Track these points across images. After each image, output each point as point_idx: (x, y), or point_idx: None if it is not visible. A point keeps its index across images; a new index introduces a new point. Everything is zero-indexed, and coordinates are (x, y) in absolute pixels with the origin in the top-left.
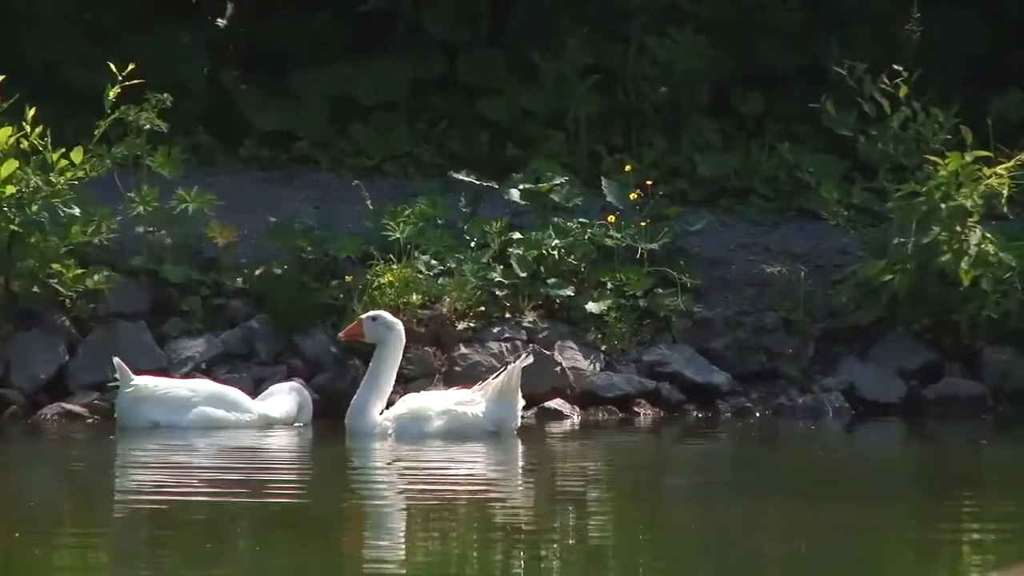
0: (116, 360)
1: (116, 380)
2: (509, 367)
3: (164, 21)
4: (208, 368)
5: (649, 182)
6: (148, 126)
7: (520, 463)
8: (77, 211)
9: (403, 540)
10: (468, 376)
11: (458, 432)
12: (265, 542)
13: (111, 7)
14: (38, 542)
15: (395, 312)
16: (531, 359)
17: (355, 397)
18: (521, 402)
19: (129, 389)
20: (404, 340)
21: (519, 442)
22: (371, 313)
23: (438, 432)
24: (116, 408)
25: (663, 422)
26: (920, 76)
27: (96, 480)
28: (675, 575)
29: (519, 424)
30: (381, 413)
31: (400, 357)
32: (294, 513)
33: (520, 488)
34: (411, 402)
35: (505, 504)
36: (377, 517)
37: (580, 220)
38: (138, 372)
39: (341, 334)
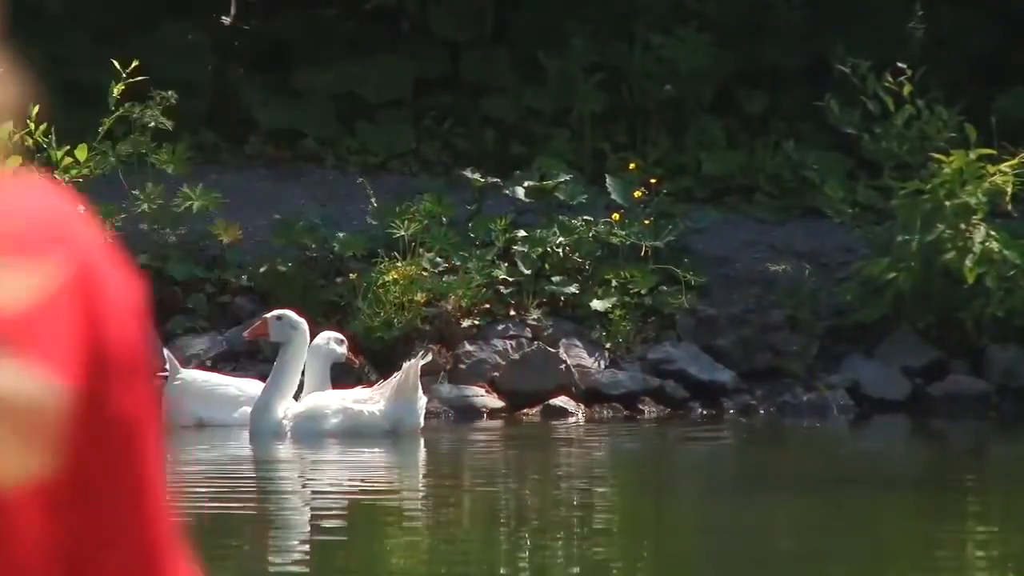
0: (165, 351)
1: (165, 372)
2: (405, 364)
3: (169, 18)
4: (213, 366)
5: (653, 180)
6: (153, 123)
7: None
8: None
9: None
10: (473, 374)
11: (355, 431)
12: None
13: (116, 4)
14: None
15: (400, 310)
16: (429, 357)
17: (258, 396)
18: (423, 400)
19: (177, 382)
20: (308, 339)
21: (420, 444)
22: (276, 312)
23: (334, 430)
24: (163, 401)
25: (667, 419)
26: (924, 74)
27: None
28: None
29: (421, 423)
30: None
31: (305, 356)
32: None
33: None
34: (310, 400)
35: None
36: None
37: (585, 218)
38: None
39: (246, 332)
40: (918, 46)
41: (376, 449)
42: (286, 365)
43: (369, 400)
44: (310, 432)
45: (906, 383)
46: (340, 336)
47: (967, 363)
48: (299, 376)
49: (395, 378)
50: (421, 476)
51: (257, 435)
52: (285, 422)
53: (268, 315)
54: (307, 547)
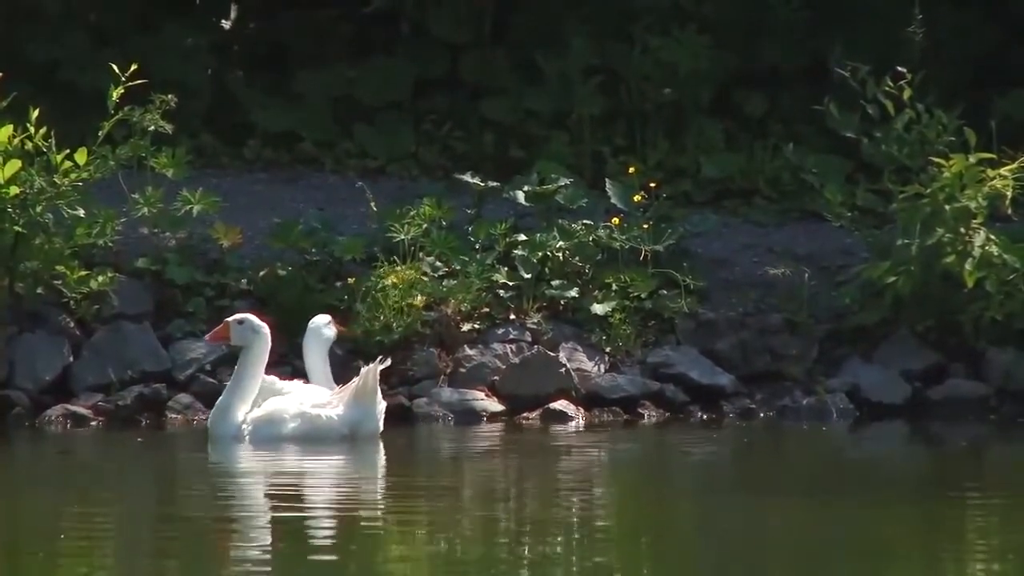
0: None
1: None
2: (363, 369)
3: (168, 21)
4: (212, 370)
5: (653, 183)
6: (152, 127)
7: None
8: (81, 212)
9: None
10: (473, 378)
11: (313, 435)
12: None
13: (115, 7)
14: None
15: (399, 314)
16: (388, 362)
17: (219, 400)
18: (382, 404)
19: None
20: (270, 343)
21: (379, 448)
22: (237, 316)
23: (292, 435)
24: None
25: (667, 423)
26: (924, 77)
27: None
28: None
29: (380, 428)
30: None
31: (266, 360)
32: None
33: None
34: (269, 404)
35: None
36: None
37: (584, 222)
38: (144, 374)
39: (207, 336)
40: (917, 49)
41: (371, 453)
42: (246, 369)
43: (328, 405)
44: (268, 436)
45: (905, 387)
46: (328, 317)
47: (966, 367)
48: (260, 380)
49: (354, 383)
50: (417, 480)
51: (216, 439)
52: (244, 426)
53: (230, 319)
54: (317, 554)
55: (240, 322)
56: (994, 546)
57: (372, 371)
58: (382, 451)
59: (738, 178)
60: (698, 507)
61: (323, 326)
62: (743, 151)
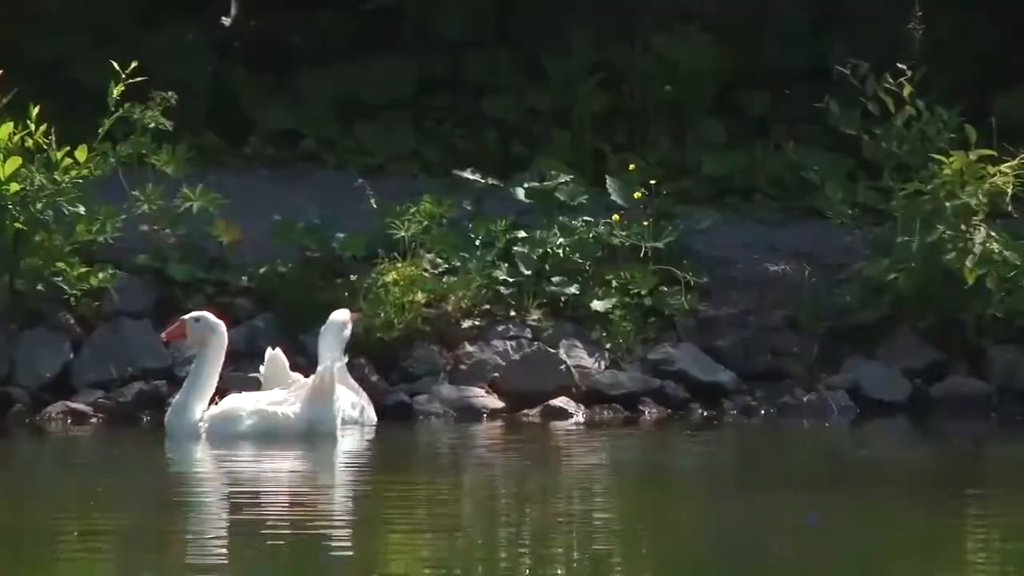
0: (275, 351)
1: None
2: (320, 368)
3: (169, 19)
4: None
5: (654, 181)
6: (153, 124)
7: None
8: (82, 209)
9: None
10: (474, 375)
11: (270, 433)
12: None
13: (117, 5)
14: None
15: (400, 311)
16: (346, 359)
17: (176, 397)
18: (339, 403)
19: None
20: (226, 341)
21: (336, 446)
22: (194, 314)
23: (249, 432)
24: None
25: (668, 420)
26: (924, 75)
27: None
28: None
29: (337, 426)
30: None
31: (223, 358)
32: None
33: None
34: (226, 402)
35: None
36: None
37: (585, 219)
38: (144, 371)
39: (163, 334)
40: (918, 47)
41: (366, 447)
42: (204, 367)
43: (284, 402)
44: (225, 434)
45: (906, 384)
46: (347, 312)
47: (968, 364)
48: (216, 378)
49: (311, 381)
50: (415, 475)
51: (173, 436)
52: (201, 424)
53: (186, 317)
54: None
55: (197, 320)
56: (995, 545)
57: (329, 370)
58: (339, 449)
59: (739, 176)
60: (698, 505)
61: (340, 321)
62: (744, 149)
